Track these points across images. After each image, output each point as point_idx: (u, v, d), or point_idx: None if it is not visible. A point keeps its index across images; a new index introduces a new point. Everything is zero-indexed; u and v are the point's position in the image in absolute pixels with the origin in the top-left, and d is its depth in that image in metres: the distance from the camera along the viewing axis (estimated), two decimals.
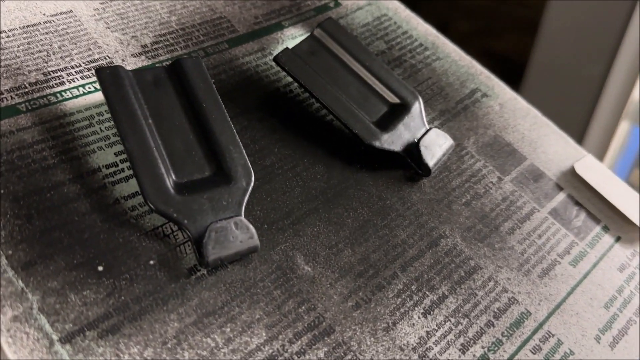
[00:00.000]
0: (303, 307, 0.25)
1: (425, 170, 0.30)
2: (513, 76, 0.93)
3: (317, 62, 0.31)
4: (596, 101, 0.82)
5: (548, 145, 0.34)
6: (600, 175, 0.32)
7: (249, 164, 0.27)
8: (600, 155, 0.87)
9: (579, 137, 0.84)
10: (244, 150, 0.27)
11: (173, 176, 0.25)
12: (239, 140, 0.27)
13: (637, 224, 0.31)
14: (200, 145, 0.27)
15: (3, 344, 0.20)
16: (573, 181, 0.32)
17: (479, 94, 0.35)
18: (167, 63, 0.30)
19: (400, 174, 0.30)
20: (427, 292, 0.27)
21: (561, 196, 0.32)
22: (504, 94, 0.36)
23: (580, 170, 0.32)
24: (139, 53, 0.31)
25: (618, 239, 0.31)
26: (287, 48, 0.31)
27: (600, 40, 0.78)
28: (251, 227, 0.25)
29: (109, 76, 0.26)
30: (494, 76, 0.37)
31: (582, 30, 0.78)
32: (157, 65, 0.31)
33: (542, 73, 0.83)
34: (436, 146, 0.30)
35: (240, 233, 0.25)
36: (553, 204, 0.31)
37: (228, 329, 0.23)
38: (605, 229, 0.31)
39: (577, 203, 0.32)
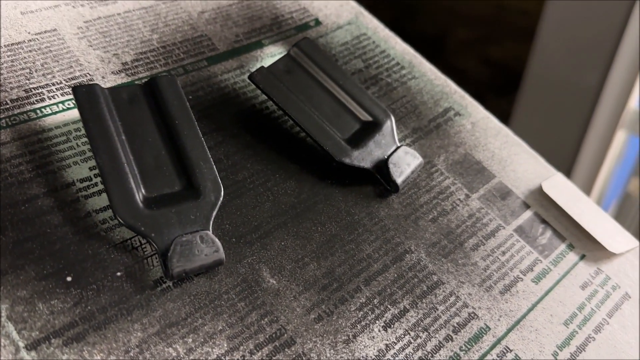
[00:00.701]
0: (266, 319, 0.26)
1: (393, 187, 0.31)
2: (511, 84, 0.93)
3: (291, 81, 0.32)
4: (593, 110, 0.83)
5: (518, 164, 0.35)
6: (569, 194, 0.33)
7: (219, 179, 0.28)
8: (597, 164, 0.87)
9: (576, 146, 0.84)
10: (214, 166, 0.28)
11: (143, 191, 0.26)
12: (209, 156, 0.28)
13: (602, 242, 0.31)
14: (171, 160, 0.28)
15: None
16: (540, 199, 0.33)
17: (452, 113, 0.36)
18: (145, 80, 0.31)
19: (370, 189, 0.31)
20: (388, 306, 0.27)
21: (528, 214, 0.32)
22: (476, 113, 0.37)
23: (547, 189, 0.33)
24: (119, 70, 0.32)
25: (582, 257, 0.31)
26: (262, 67, 0.32)
27: (596, 49, 0.78)
28: (217, 240, 0.26)
29: (84, 94, 0.27)
30: (467, 95, 0.37)
31: (579, 39, 0.78)
32: (135, 82, 0.32)
33: (538, 82, 0.83)
34: (404, 164, 0.31)
35: (205, 247, 0.26)
36: (519, 222, 0.32)
37: (190, 340, 0.24)
38: (570, 247, 0.32)
39: (544, 221, 0.32)
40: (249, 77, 0.31)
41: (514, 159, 0.35)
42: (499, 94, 0.95)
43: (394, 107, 0.36)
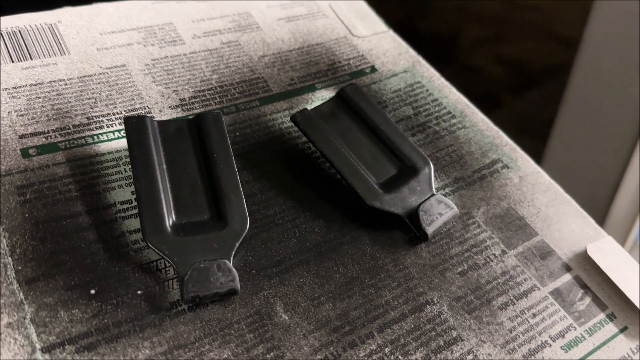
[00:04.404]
0: (271, 354, 0.26)
1: (423, 235, 0.30)
2: (526, 81, 0.89)
3: (333, 124, 0.33)
4: None
5: (564, 223, 0.33)
6: (616, 259, 0.31)
7: (247, 212, 0.29)
8: None
9: (626, 156, 0.76)
10: (244, 199, 0.29)
11: (174, 217, 0.28)
12: (241, 189, 0.29)
13: None
14: (205, 191, 0.29)
15: None
16: (584, 263, 0.31)
17: (499, 165, 0.35)
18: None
19: (400, 235, 0.31)
20: (399, 356, 0.27)
21: (567, 277, 0.30)
22: (526, 167, 0.35)
23: (592, 252, 0.31)
24: (176, 105, 0.35)
25: (624, 329, 0.29)
26: (305, 108, 0.33)
27: None
28: (234, 270, 0.27)
29: (134, 124, 0.30)
30: (519, 148, 0.36)
31: (627, 45, 0.72)
32: (189, 117, 0.34)
33: (584, 90, 0.77)
34: (436, 212, 0.31)
35: (221, 275, 0.27)
36: (557, 284, 0.30)
37: None
38: (612, 316, 0.29)
39: (585, 286, 0.30)
40: (291, 118, 0.33)
41: (560, 217, 0.33)
42: (515, 92, 0.91)
43: (437, 155, 0.35)
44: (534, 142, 0.82)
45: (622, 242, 0.81)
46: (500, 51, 0.91)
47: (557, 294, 0.30)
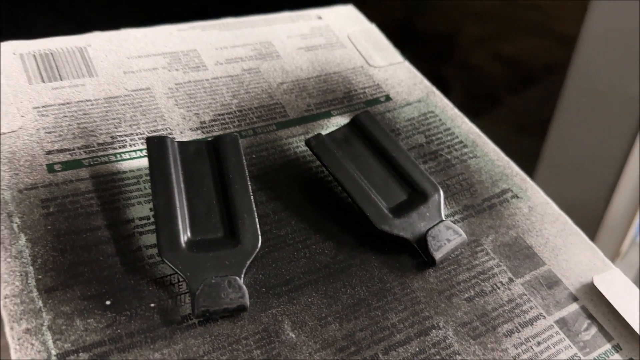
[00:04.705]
0: None
1: (430, 260, 0.31)
2: (525, 80, 0.88)
3: (346, 149, 0.34)
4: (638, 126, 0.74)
5: (572, 253, 0.33)
6: (623, 291, 0.31)
7: (259, 232, 0.30)
8: None
9: (623, 158, 0.75)
10: (257, 219, 0.30)
11: (189, 234, 0.29)
12: (254, 209, 0.30)
13: None
14: (219, 210, 0.31)
15: (11, 349, 0.24)
16: (591, 294, 0.31)
17: (509, 195, 0.36)
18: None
19: (408, 260, 0.32)
20: None
21: (574, 307, 0.31)
22: (536, 197, 0.36)
23: (598, 283, 0.31)
24: (196, 128, 0.36)
25: None
26: (319, 133, 0.34)
27: None
28: (244, 287, 0.28)
29: (155, 144, 0.31)
30: (529, 179, 0.37)
31: (624, 45, 0.71)
32: (208, 138, 0.36)
33: (580, 91, 0.76)
34: (444, 238, 0.31)
35: (232, 291, 0.28)
36: (562, 314, 0.30)
37: None
38: (617, 348, 0.29)
39: (591, 316, 0.30)
40: (305, 142, 0.34)
41: (569, 248, 0.33)
42: (514, 90, 0.90)
43: (448, 182, 0.36)
44: (533, 139, 0.82)
45: (621, 240, 0.79)
46: (500, 49, 0.91)
47: (562, 323, 0.30)
